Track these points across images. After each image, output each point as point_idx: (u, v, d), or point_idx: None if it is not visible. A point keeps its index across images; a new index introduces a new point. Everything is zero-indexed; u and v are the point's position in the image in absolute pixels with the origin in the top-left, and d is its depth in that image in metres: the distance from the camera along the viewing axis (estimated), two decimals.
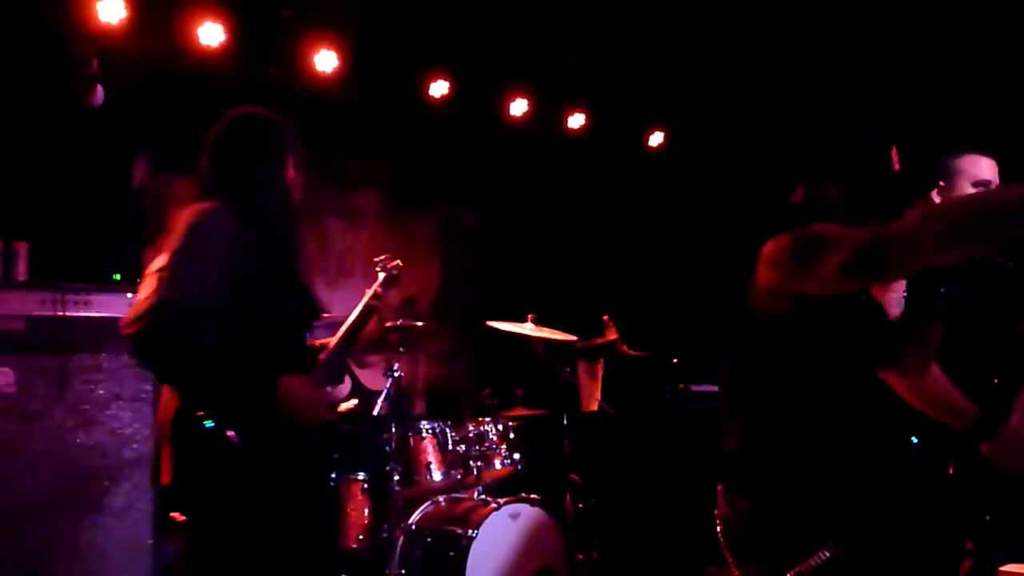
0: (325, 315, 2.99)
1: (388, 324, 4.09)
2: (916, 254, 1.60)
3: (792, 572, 1.73)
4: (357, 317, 2.68)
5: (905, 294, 2.21)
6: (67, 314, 3.54)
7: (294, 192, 2.46)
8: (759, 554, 1.85)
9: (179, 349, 2.09)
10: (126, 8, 4.03)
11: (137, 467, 3.59)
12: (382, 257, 2.99)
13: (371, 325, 2.77)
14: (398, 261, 2.99)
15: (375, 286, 2.86)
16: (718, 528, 1.96)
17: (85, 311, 3.58)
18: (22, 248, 3.74)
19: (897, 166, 2.02)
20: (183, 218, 2.22)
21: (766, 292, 1.86)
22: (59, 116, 4.13)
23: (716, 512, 1.97)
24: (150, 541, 3.61)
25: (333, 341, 2.60)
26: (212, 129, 2.44)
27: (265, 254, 2.32)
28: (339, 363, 2.61)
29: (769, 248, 1.85)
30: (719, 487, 1.98)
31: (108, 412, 3.55)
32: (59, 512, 3.48)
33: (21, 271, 3.71)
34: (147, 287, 2.10)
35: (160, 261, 2.14)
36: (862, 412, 1.92)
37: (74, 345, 3.55)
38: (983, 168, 2.42)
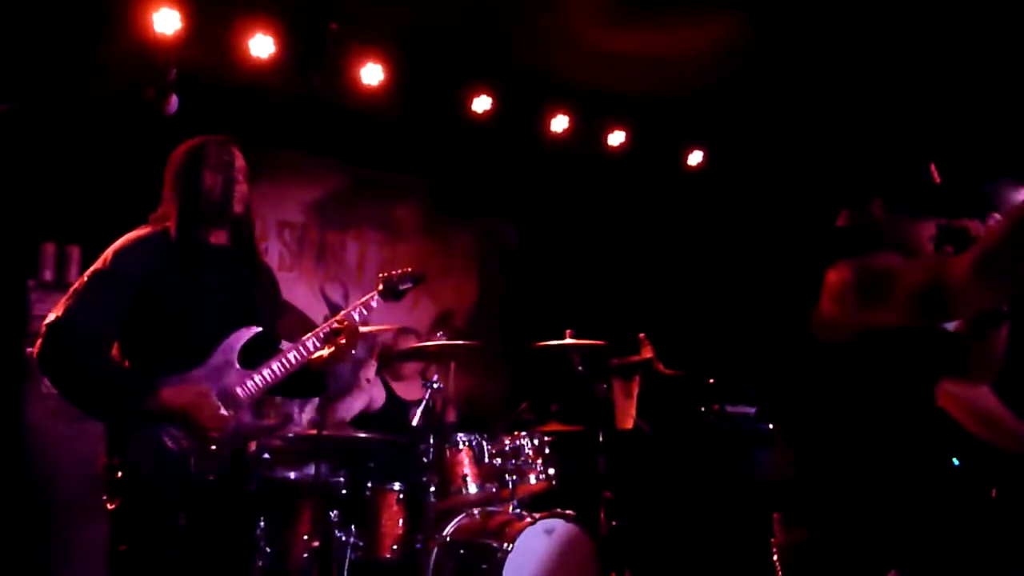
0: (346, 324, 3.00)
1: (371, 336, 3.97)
2: (977, 300, 1.67)
3: None
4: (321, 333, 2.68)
5: None
6: None
7: (219, 205, 2.56)
8: None
9: (58, 368, 2.36)
10: (181, 20, 4.12)
11: None
12: (396, 271, 2.92)
13: (343, 340, 2.71)
14: (408, 272, 2.90)
15: (366, 298, 2.82)
16: (774, 557, 1.96)
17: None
18: (74, 251, 3.84)
19: (938, 179, 2.05)
20: (113, 244, 2.49)
21: (828, 323, 1.89)
22: (111, 123, 4.22)
23: (772, 540, 1.98)
24: None
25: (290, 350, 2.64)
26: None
27: (189, 268, 2.51)
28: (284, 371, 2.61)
29: (832, 280, 1.87)
30: (775, 516, 1.98)
31: None
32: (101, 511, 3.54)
33: (73, 274, 3.80)
34: (56, 306, 2.39)
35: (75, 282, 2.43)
36: (919, 439, 1.91)
37: None
38: None
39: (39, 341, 2.35)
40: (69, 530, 3.52)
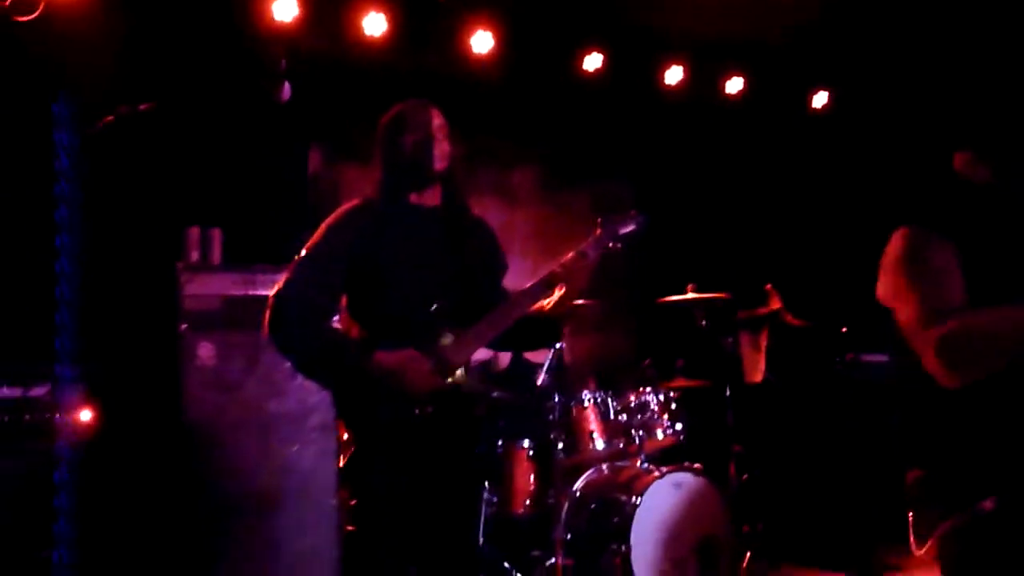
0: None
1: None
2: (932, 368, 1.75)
3: (958, 516, 1.77)
4: (537, 283, 2.55)
5: None
6: (257, 293, 3.84)
7: (420, 164, 2.56)
8: (932, 506, 1.86)
9: (280, 336, 2.45)
10: (299, 6, 4.31)
11: (322, 433, 3.88)
12: (618, 214, 2.65)
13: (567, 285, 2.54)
14: (631, 215, 2.65)
15: (584, 245, 2.58)
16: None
17: (273, 290, 3.89)
18: (216, 234, 4.09)
19: None
20: (328, 217, 2.55)
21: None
22: (245, 112, 4.47)
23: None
24: (332, 500, 3.90)
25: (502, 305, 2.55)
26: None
27: (397, 232, 2.52)
28: (500, 326, 2.52)
29: (888, 249, 1.89)
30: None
31: (296, 383, 3.84)
32: (255, 473, 3.82)
33: (216, 255, 4.07)
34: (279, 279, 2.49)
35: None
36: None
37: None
38: None
39: (266, 313, 2.45)
40: (224, 490, 3.80)
